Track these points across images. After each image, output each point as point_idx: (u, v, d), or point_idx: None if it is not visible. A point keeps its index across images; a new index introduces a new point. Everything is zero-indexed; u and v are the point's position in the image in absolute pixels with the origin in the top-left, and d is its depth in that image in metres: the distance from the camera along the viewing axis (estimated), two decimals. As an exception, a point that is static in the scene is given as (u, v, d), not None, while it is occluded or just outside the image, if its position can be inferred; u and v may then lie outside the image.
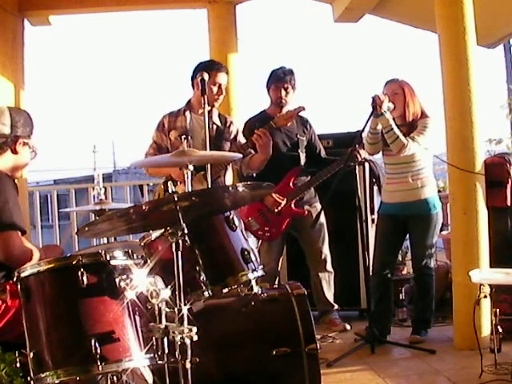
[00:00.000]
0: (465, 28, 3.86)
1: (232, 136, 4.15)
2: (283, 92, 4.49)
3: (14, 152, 2.72)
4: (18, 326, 2.25)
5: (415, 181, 4.09)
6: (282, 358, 2.66)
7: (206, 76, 3.68)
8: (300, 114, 4.65)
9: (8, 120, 2.69)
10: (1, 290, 2.51)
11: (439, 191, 4.33)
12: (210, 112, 4.07)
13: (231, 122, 4.18)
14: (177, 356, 2.16)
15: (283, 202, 4.37)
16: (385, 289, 4.24)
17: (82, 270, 2.15)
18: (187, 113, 4.10)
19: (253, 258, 2.58)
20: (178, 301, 2.20)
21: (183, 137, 2.79)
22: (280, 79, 4.50)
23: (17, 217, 2.58)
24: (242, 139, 4.20)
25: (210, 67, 4.01)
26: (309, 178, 4.53)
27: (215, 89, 4.03)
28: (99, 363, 2.08)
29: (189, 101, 4.17)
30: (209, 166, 3.68)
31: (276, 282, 4.46)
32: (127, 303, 2.19)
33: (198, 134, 4.01)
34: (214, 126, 4.09)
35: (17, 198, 2.64)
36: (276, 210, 4.39)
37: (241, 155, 3.36)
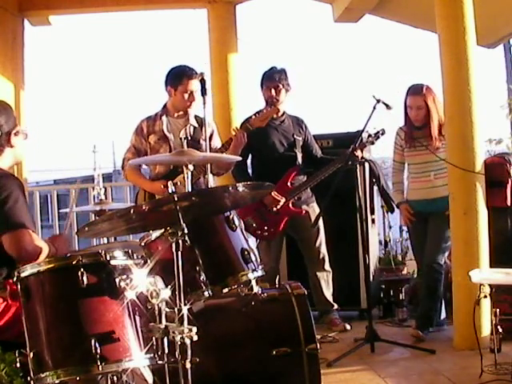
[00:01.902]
0: (465, 28, 3.86)
1: (209, 135, 4.13)
2: (273, 91, 4.50)
3: (11, 146, 2.74)
4: (17, 325, 2.25)
5: (437, 179, 4.21)
6: (282, 358, 2.66)
7: (205, 76, 3.69)
8: (295, 114, 4.71)
9: None
10: (2, 287, 2.51)
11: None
12: (185, 114, 4.13)
13: (207, 122, 4.17)
14: (177, 356, 2.16)
15: (282, 201, 4.37)
16: (435, 283, 4.25)
17: (82, 270, 2.15)
18: (163, 117, 4.13)
19: (253, 258, 2.58)
20: (178, 301, 2.20)
21: (183, 138, 2.80)
22: (270, 79, 4.52)
23: (26, 217, 2.59)
24: (217, 141, 4.21)
25: (180, 76, 4.04)
26: (306, 177, 4.54)
27: (186, 96, 4.05)
28: (99, 363, 2.07)
29: (164, 105, 4.20)
30: (208, 166, 3.71)
31: (276, 282, 4.45)
32: (127, 303, 2.19)
33: (176, 136, 4.06)
34: (191, 127, 4.13)
35: (25, 199, 2.66)
36: (274, 209, 4.39)
37: (240, 158, 3.38)
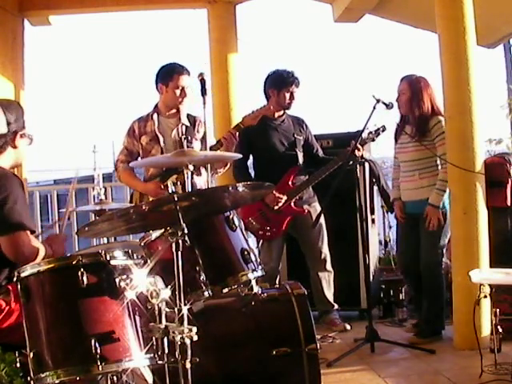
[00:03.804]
0: (465, 28, 3.86)
1: (201, 135, 4.11)
2: (294, 95, 4.54)
3: (14, 147, 2.73)
4: (20, 329, 2.25)
5: (423, 179, 4.14)
6: (282, 358, 2.66)
7: (205, 76, 3.69)
8: (296, 114, 4.72)
9: (3, 119, 2.68)
10: (4, 291, 2.51)
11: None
12: (177, 113, 4.10)
13: (200, 121, 4.14)
14: (177, 356, 2.16)
15: (283, 199, 4.37)
16: (416, 289, 4.25)
17: (81, 270, 2.15)
18: (154, 116, 4.10)
19: (253, 258, 2.58)
20: (178, 301, 2.20)
21: (183, 137, 2.79)
22: (292, 83, 4.53)
23: (25, 217, 2.58)
24: (210, 139, 4.17)
25: (171, 72, 4.02)
26: (307, 177, 4.54)
27: (178, 92, 4.03)
28: (99, 363, 2.07)
29: (156, 105, 4.17)
30: (209, 165, 3.70)
31: (276, 282, 4.46)
32: (127, 303, 2.19)
33: (168, 136, 4.05)
34: (183, 127, 4.10)
35: (25, 197, 2.65)
36: (276, 208, 4.39)
37: (240, 155, 3.37)
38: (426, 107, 4.10)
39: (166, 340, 2.18)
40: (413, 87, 4.13)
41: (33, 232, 2.63)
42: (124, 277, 2.21)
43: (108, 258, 2.22)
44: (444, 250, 4.22)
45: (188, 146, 3.78)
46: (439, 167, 4.11)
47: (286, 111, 4.66)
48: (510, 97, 6.58)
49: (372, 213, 4.89)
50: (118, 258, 2.26)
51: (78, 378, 2.11)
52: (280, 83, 4.54)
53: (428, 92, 4.13)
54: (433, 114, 4.10)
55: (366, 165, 4.71)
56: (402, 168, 4.28)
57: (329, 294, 4.60)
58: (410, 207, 4.24)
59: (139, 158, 4.09)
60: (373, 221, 4.93)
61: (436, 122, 4.08)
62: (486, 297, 3.43)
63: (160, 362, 2.20)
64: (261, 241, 4.58)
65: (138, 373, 2.25)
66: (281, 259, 4.69)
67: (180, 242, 2.23)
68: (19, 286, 2.22)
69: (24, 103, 5.17)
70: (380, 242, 5.61)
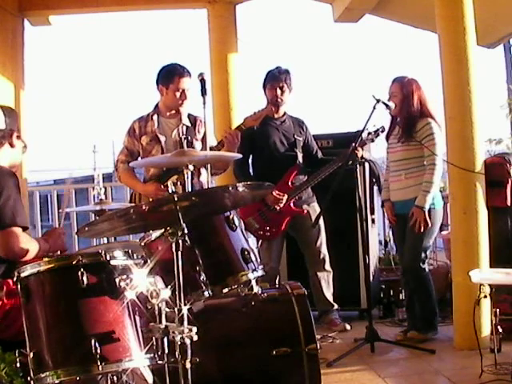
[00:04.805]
0: (465, 28, 3.86)
1: (202, 135, 4.09)
2: (279, 91, 4.52)
3: (12, 145, 2.78)
4: (14, 324, 2.25)
5: (409, 179, 4.12)
6: (282, 358, 2.66)
7: (205, 76, 3.69)
8: (296, 115, 4.71)
9: (1, 116, 2.74)
10: None
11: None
12: (178, 113, 4.08)
13: (200, 121, 4.13)
14: (177, 356, 2.16)
15: (284, 199, 4.37)
16: (410, 289, 4.25)
17: (82, 270, 2.15)
18: (155, 117, 4.08)
19: (253, 258, 2.58)
20: (178, 301, 2.20)
21: (183, 138, 2.79)
22: (276, 78, 4.52)
23: (18, 214, 2.60)
24: (211, 139, 4.15)
25: (172, 74, 4.00)
26: (306, 177, 4.54)
27: (178, 94, 4.00)
28: (99, 363, 2.08)
29: (156, 105, 4.16)
30: (208, 166, 3.69)
31: (276, 282, 4.45)
32: (127, 303, 2.19)
33: (169, 136, 4.04)
34: (184, 127, 4.08)
35: (18, 194, 2.66)
36: (277, 208, 4.39)
37: (240, 155, 3.36)
38: (415, 109, 4.08)
39: (165, 340, 2.18)
40: (404, 89, 4.11)
41: (25, 229, 2.64)
42: (124, 277, 2.21)
43: (108, 258, 2.23)
44: (428, 252, 4.20)
45: (189, 147, 3.78)
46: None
47: (287, 112, 4.65)
48: (510, 97, 6.58)
49: (372, 213, 4.89)
50: (118, 258, 2.26)
51: (77, 378, 2.12)
52: (266, 80, 4.57)
53: (418, 94, 4.11)
54: (422, 116, 4.09)
55: (366, 165, 4.71)
56: (391, 168, 4.28)
57: (328, 293, 4.60)
58: (398, 207, 4.23)
59: (139, 158, 4.09)
60: (373, 221, 4.93)
61: (424, 123, 4.06)
62: (486, 297, 3.43)
63: (160, 362, 2.20)
64: (260, 241, 4.58)
65: (138, 373, 2.25)
66: (281, 259, 4.69)
67: (180, 242, 2.23)
68: (19, 286, 2.22)
69: (24, 103, 5.18)
70: (380, 242, 5.61)
